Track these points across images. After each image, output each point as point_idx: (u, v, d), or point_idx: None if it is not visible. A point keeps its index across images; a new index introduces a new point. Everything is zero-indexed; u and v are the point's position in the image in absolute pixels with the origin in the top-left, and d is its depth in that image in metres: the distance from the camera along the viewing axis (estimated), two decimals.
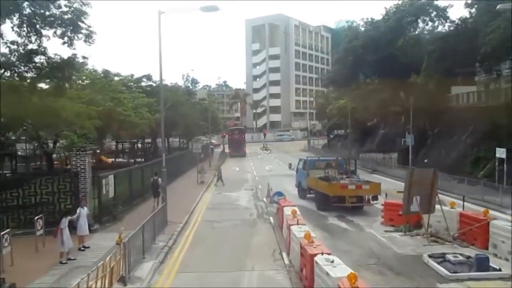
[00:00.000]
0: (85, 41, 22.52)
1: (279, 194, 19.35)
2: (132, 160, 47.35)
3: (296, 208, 14.27)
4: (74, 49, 20.81)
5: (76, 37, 21.58)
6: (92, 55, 40.20)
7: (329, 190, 18.81)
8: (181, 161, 39.78)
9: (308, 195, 23.08)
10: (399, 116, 46.76)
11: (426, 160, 36.80)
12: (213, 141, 72.93)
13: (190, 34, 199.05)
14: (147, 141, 58.39)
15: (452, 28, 38.11)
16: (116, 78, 39.57)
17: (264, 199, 23.79)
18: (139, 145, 55.45)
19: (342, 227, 17.04)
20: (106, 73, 38.37)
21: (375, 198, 19.02)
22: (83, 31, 21.41)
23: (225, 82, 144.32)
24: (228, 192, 27.51)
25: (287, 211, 14.60)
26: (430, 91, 37.57)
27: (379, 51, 43.14)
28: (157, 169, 33.25)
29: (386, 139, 50.52)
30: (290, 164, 29.81)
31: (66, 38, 21.00)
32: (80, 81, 31.27)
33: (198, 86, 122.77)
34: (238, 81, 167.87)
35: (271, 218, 18.50)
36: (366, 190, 18.88)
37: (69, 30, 20.66)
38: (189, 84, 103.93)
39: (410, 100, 36.96)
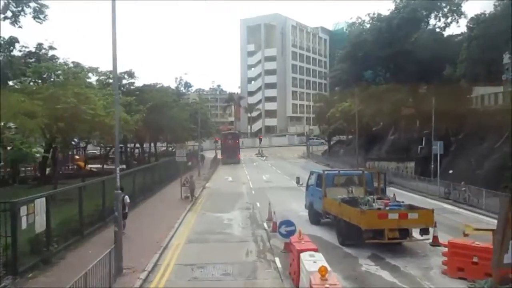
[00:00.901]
0: (34, 17, 17.37)
1: (288, 224, 13.61)
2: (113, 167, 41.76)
3: (325, 265, 8.56)
4: (19, 27, 15.61)
5: (22, 12, 16.41)
6: (77, 53, 34.45)
7: (362, 221, 13.03)
8: (164, 170, 33.98)
9: (323, 220, 17.50)
10: (414, 120, 41.52)
11: (451, 171, 31.31)
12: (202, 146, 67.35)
13: (183, 35, 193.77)
14: (132, 146, 53.01)
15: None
16: (90, 75, 33.96)
17: (265, 225, 18.14)
18: (127, 150, 49.79)
19: (385, 279, 11.37)
20: (77, 66, 32.64)
21: (425, 231, 13.36)
22: (31, 3, 16.11)
23: (219, 86, 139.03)
24: (217, 212, 21.76)
25: (309, 263, 8.99)
26: (457, 89, 32.29)
27: (392, 46, 37.87)
28: (131, 180, 27.84)
29: (397, 146, 45.14)
30: (297, 179, 23.09)
31: (8, 13, 15.76)
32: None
33: (192, 89, 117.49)
34: (232, 85, 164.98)
35: (277, 260, 12.84)
36: (413, 221, 13.19)
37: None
38: (182, 88, 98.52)
39: (432, 100, 31.49)
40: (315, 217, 17.93)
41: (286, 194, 26.97)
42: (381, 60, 39.70)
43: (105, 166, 45.51)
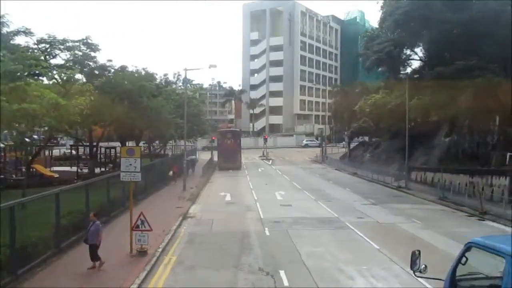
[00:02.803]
0: None
1: None
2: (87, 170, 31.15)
3: None
4: None
5: None
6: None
7: None
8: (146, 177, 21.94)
9: None
10: (489, 116, 29.52)
11: None
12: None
13: (180, 24, 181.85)
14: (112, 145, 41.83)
15: None
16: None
17: None
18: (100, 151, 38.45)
19: None
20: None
21: None
22: None
23: (219, 82, 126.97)
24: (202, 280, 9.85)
25: None
26: None
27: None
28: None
29: (456, 151, 33.15)
30: (415, 256, 6.00)
31: None
32: None
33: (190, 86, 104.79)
34: (234, 81, 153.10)
35: None
36: None
37: None
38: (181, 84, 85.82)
39: None
40: None
41: (332, 244, 14.84)
42: (450, 31, 27.58)
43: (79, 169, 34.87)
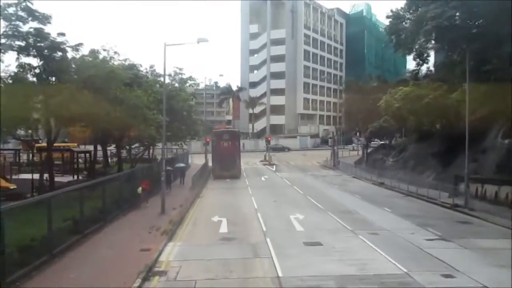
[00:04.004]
0: None
1: None
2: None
3: None
4: None
5: None
6: None
7: None
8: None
9: None
10: None
11: None
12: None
13: (174, 16, 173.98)
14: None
15: None
16: None
17: None
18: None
19: None
20: None
21: None
22: None
23: (216, 83, 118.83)
24: None
25: None
26: None
27: None
28: None
29: None
30: None
31: None
32: None
33: (185, 86, 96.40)
34: (232, 81, 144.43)
35: None
36: None
37: None
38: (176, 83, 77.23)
39: None
40: None
41: None
42: None
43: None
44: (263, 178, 37.85)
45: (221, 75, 79.14)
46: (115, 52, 27.27)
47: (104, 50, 25.30)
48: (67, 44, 21.68)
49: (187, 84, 34.35)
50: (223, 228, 17.28)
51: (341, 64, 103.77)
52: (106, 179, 19.01)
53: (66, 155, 38.20)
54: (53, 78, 22.01)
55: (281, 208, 22.07)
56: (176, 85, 33.23)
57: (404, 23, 31.13)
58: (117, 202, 18.91)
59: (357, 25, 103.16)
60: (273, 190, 29.81)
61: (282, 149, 69.00)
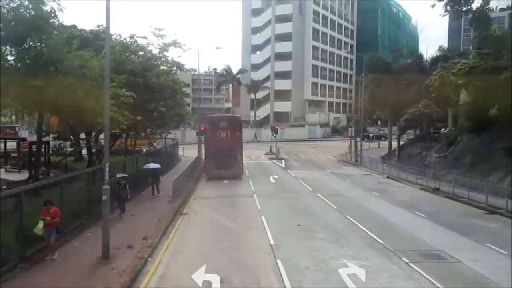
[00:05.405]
0: None
1: None
2: None
3: None
4: None
5: None
6: None
7: None
8: None
9: None
10: None
11: None
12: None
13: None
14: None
15: None
16: None
17: None
18: None
19: None
20: None
21: None
22: None
23: (215, 69, 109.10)
24: None
25: None
26: None
27: None
28: None
29: None
30: None
31: None
32: None
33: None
34: (232, 64, 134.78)
35: None
36: None
37: None
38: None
39: None
40: None
41: None
42: None
43: None
44: (272, 179, 28.68)
45: (218, 48, 69.60)
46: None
47: None
48: None
49: (171, 58, 24.76)
50: None
51: (351, 46, 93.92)
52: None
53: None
54: None
55: (314, 244, 12.93)
56: (154, 51, 23.80)
57: None
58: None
59: (369, 4, 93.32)
60: (290, 200, 20.64)
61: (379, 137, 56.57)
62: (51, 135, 23.04)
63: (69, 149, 26.55)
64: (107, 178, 10.88)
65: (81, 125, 18.35)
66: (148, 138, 39.85)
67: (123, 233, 13.37)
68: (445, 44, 75.43)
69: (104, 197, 10.80)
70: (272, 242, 13.13)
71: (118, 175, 15.18)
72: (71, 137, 21.83)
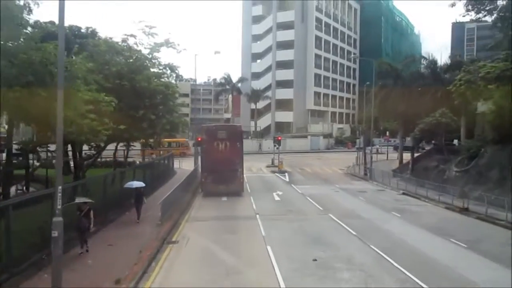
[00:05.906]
0: None
1: None
2: None
3: None
4: None
5: None
6: None
7: None
8: None
9: None
10: None
11: None
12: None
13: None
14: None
15: None
16: None
17: None
18: None
19: None
20: None
21: None
22: None
23: (214, 80, 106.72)
24: None
25: None
26: None
27: None
28: None
29: None
30: None
31: None
32: None
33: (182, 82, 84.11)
34: (232, 73, 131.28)
35: None
36: None
37: None
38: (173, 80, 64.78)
39: None
40: None
41: None
42: None
43: None
44: (276, 196, 25.65)
45: (217, 52, 66.54)
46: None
47: None
48: None
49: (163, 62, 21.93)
50: None
51: (354, 54, 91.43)
52: None
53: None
54: None
55: None
56: (144, 51, 20.95)
57: None
58: None
59: (372, 13, 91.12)
60: (300, 224, 17.57)
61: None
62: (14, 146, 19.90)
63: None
64: (58, 206, 7.87)
65: (46, 135, 15.37)
66: (157, 149, 37.33)
67: (91, 274, 10.33)
68: (446, 55, 72.84)
69: (55, 233, 7.77)
70: (283, 286, 10.09)
71: (78, 200, 12.13)
72: (37, 148, 18.86)
